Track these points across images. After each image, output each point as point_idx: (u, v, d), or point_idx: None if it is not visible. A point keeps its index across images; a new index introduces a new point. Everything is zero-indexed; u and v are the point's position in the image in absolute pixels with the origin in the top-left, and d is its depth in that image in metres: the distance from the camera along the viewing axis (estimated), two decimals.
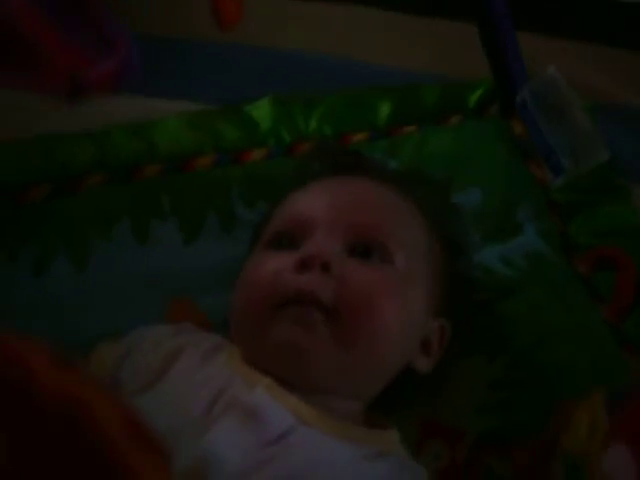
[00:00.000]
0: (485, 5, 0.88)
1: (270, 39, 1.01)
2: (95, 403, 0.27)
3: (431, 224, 0.72)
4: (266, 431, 0.59)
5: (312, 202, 0.71)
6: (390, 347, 0.66)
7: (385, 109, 0.93)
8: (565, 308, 0.80)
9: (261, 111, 0.92)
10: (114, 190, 0.85)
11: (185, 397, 0.62)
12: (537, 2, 1.02)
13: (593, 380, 0.73)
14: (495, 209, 0.85)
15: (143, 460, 0.28)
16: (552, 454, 0.56)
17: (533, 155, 0.89)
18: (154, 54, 0.98)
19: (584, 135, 0.84)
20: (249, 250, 0.74)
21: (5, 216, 0.81)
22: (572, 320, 0.79)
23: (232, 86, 0.97)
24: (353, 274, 0.65)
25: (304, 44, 1.01)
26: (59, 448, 0.27)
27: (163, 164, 0.88)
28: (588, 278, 0.82)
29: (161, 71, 0.97)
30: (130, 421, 0.28)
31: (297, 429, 0.60)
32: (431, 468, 0.68)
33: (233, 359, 0.66)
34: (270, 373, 0.63)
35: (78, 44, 0.49)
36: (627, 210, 0.86)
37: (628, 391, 0.53)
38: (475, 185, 0.86)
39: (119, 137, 0.89)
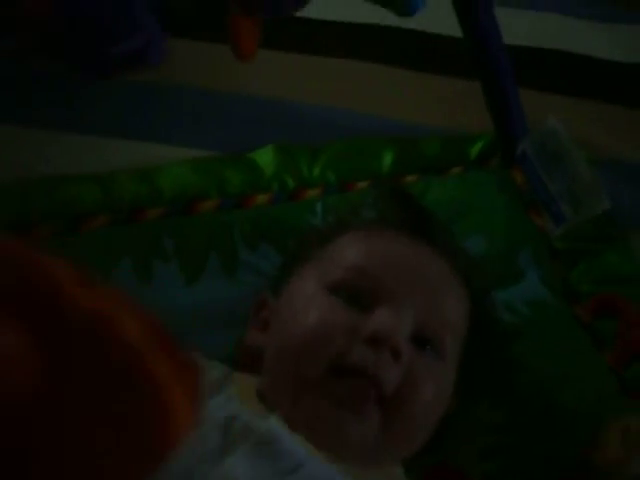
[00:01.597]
0: (489, 62, 0.90)
1: (273, 91, 1.03)
2: (120, 318, 0.28)
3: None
4: (282, 461, 0.58)
5: (383, 261, 0.67)
6: (424, 431, 0.66)
7: (388, 158, 0.94)
8: (567, 354, 0.79)
9: (265, 158, 0.93)
10: (117, 231, 0.86)
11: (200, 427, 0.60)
12: (537, 59, 1.05)
13: (593, 425, 0.72)
14: (497, 256, 0.85)
15: (168, 371, 0.28)
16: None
17: (534, 204, 0.90)
18: (160, 102, 1.01)
19: (584, 183, 0.85)
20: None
21: None
22: (574, 366, 0.78)
23: (236, 136, 0.98)
24: (418, 370, 0.63)
25: (306, 96, 1.02)
26: (85, 361, 0.27)
27: (167, 207, 0.88)
28: (590, 325, 0.82)
29: (166, 119, 1.00)
30: (156, 334, 0.29)
31: (309, 462, 0.59)
32: None
33: (242, 390, 0.64)
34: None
35: (107, 23, 0.50)
36: (626, 258, 0.87)
37: None
38: (477, 233, 0.86)
39: (124, 180, 0.90)
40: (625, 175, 0.94)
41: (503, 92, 0.91)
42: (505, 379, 0.77)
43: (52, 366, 0.27)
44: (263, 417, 0.61)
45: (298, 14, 1.05)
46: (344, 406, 0.61)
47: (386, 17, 0.70)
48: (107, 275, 0.82)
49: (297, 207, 0.88)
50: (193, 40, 1.03)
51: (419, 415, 0.64)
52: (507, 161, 0.93)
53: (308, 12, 1.06)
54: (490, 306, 0.77)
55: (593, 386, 0.77)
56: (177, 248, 0.85)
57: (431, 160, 0.95)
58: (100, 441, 0.27)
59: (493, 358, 0.77)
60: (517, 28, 1.00)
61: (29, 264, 0.27)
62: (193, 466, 0.56)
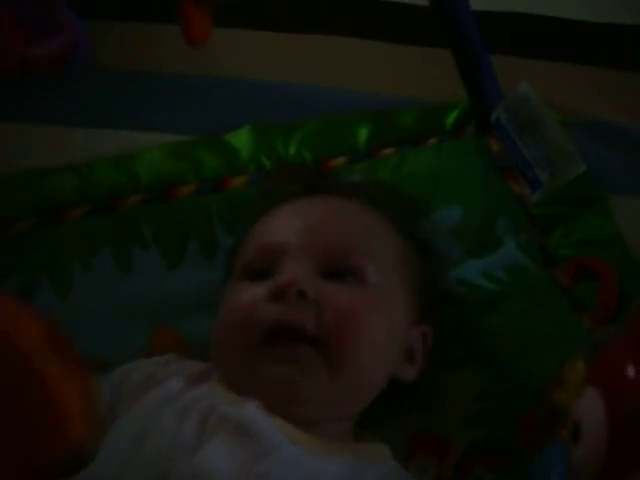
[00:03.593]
0: (459, 30, 0.90)
1: (246, 70, 1.02)
2: (13, 325, 0.29)
3: (403, 233, 0.73)
4: (259, 445, 0.59)
5: (280, 227, 0.71)
6: (378, 364, 0.66)
7: (363, 133, 0.94)
8: (547, 319, 0.80)
9: (241, 139, 0.93)
10: (96, 220, 0.86)
11: (175, 418, 0.61)
12: (506, 24, 1.04)
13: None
14: (475, 225, 0.86)
15: (59, 368, 0.29)
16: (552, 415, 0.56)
17: (510, 171, 0.90)
18: (133, 88, 1.01)
19: (559, 148, 0.85)
20: (223, 282, 0.74)
21: None
22: (554, 330, 0.79)
23: (211, 118, 0.98)
24: (330, 297, 0.64)
25: (280, 74, 1.02)
26: None
27: (145, 194, 0.89)
28: (569, 289, 0.83)
29: (140, 105, 1.00)
30: (48, 336, 0.30)
31: (285, 446, 0.60)
32: None
33: (219, 383, 0.65)
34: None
35: (27, 24, 0.50)
36: (605, 220, 0.87)
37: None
38: (455, 202, 0.87)
39: (101, 169, 0.90)
40: (600, 136, 0.94)
41: (474, 60, 0.90)
42: (486, 346, 0.77)
43: None
44: (240, 404, 0.61)
45: None
46: (281, 362, 0.62)
47: None
48: (88, 265, 0.83)
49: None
50: (161, 24, 1.02)
51: (360, 341, 0.64)
52: (482, 129, 0.93)
53: None
54: (431, 234, 0.78)
55: (574, 349, 0.78)
56: (156, 235, 0.85)
57: (407, 132, 0.95)
58: None
59: (474, 325, 0.78)
60: None
61: None
62: (172, 456, 0.57)
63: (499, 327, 0.79)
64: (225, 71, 1.03)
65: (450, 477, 0.72)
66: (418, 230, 0.76)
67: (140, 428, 0.61)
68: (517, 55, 1.01)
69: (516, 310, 0.80)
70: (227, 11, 0.82)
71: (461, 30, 0.89)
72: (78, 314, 0.79)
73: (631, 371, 0.47)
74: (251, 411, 0.61)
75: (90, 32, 0.95)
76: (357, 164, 0.91)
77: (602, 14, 1.03)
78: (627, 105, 0.96)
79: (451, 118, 0.96)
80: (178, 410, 0.62)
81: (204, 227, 0.86)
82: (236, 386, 0.64)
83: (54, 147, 0.96)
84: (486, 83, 0.92)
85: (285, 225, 0.70)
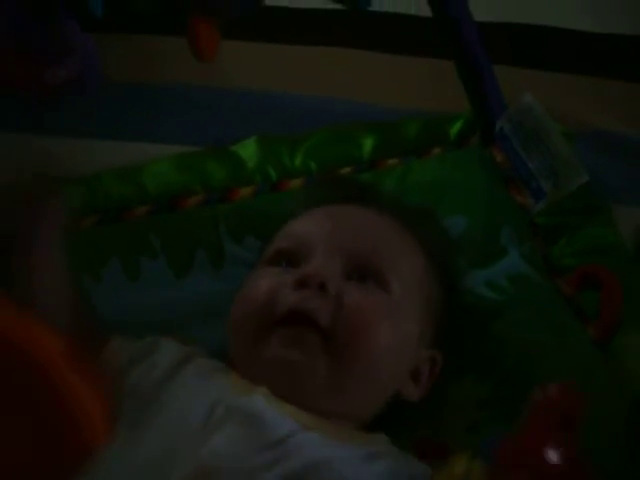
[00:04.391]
0: (461, 42, 0.91)
1: (253, 82, 1.04)
2: (30, 335, 0.30)
3: (430, 257, 0.74)
4: (266, 435, 0.60)
5: (313, 224, 0.73)
6: (383, 371, 0.68)
7: (368, 144, 0.95)
8: (550, 328, 0.80)
9: (247, 150, 0.94)
10: (105, 231, 0.87)
11: (184, 408, 0.63)
12: (509, 35, 1.05)
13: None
14: (479, 235, 0.87)
15: (80, 382, 0.30)
16: None
17: (514, 181, 0.91)
18: (141, 101, 1.02)
19: (562, 158, 0.86)
20: (253, 266, 0.76)
21: None
22: (557, 339, 0.79)
23: (217, 129, 0.99)
24: (350, 296, 0.66)
25: (284, 86, 1.03)
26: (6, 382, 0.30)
27: (152, 205, 0.90)
28: (573, 298, 0.83)
29: (148, 117, 1.01)
30: (67, 351, 0.31)
31: (297, 433, 0.61)
32: None
33: (230, 376, 0.67)
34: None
35: (37, 50, 0.51)
36: (608, 230, 0.88)
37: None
38: (458, 212, 0.87)
39: (109, 180, 0.91)
40: (603, 146, 0.95)
41: (478, 71, 0.91)
42: (489, 354, 0.78)
43: None
44: (248, 395, 0.63)
45: (274, 4, 1.07)
46: (287, 344, 0.65)
47: None
48: (97, 275, 0.84)
49: (280, 198, 0.90)
50: (168, 36, 1.04)
51: (369, 344, 0.66)
52: (486, 140, 0.94)
53: (283, 1, 1.08)
54: (456, 262, 0.79)
55: (577, 359, 0.78)
56: (164, 245, 0.86)
57: (411, 143, 0.96)
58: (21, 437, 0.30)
59: (477, 333, 0.79)
60: (487, 4, 1.00)
61: None
62: (179, 448, 0.59)
63: (502, 336, 0.79)
64: (231, 83, 1.04)
65: None
66: (446, 259, 0.77)
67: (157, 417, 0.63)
68: (520, 66, 1.02)
69: (519, 319, 0.80)
70: (233, 24, 0.83)
71: (464, 41, 0.90)
72: None
73: (551, 453, 0.47)
74: (259, 401, 0.62)
75: (98, 45, 0.97)
76: (362, 174, 0.92)
77: (605, 25, 1.04)
78: (630, 115, 0.97)
79: (455, 129, 0.97)
80: (189, 400, 0.63)
81: (211, 237, 0.87)
82: (245, 369, 0.66)
83: (62, 159, 0.97)
84: (489, 94, 0.93)
85: (320, 223, 0.73)
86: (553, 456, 0.46)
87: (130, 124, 1.00)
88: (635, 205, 0.91)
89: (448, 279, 0.76)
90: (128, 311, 0.81)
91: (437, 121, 0.98)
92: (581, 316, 0.82)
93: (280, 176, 0.93)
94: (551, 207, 0.88)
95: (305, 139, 0.95)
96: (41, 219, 0.58)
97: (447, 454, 0.73)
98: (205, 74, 1.03)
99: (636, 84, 1.00)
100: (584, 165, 0.87)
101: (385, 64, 1.06)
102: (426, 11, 0.88)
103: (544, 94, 0.91)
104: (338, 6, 1.09)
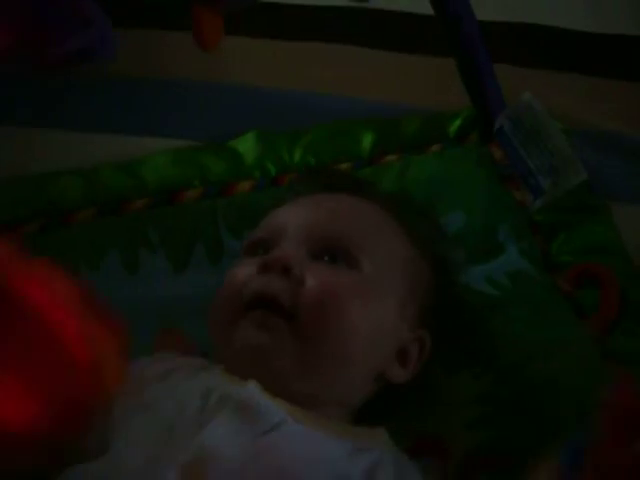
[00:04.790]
0: (462, 40, 0.91)
1: (252, 78, 1.03)
2: (50, 286, 0.30)
3: (415, 240, 0.74)
4: (260, 422, 0.61)
5: (287, 213, 0.74)
6: (355, 349, 0.67)
7: (367, 140, 0.96)
8: (548, 324, 0.80)
9: (246, 145, 0.94)
10: (103, 224, 0.87)
11: (179, 399, 0.63)
12: (509, 34, 1.06)
13: (577, 393, 0.74)
14: (477, 231, 0.87)
15: (99, 329, 0.31)
16: None
17: (513, 178, 0.91)
18: (140, 95, 1.02)
19: (561, 156, 0.86)
20: None
21: None
22: (555, 336, 0.80)
23: (216, 124, 0.99)
24: (314, 276, 0.67)
25: (284, 82, 1.03)
26: (26, 330, 0.30)
27: (151, 198, 0.90)
28: (571, 295, 0.84)
29: (147, 111, 1.01)
30: (84, 299, 0.32)
31: (288, 422, 0.61)
32: None
33: (221, 371, 0.67)
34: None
35: (53, 21, 0.51)
36: (606, 227, 0.88)
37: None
38: (457, 209, 0.88)
39: (108, 173, 0.92)
40: (601, 144, 0.95)
41: (478, 69, 0.91)
42: (488, 350, 0.78)
43: None
44: (242, 385, 0.63)
45: (272, 0, 1.07)
46: (254, 329, 0.65)
47: None
48: (95, 266, 0.84)
49: (279, 192, 0.89)
50: (169, 31, 1.04)
51: (333, 321, 0.65)
52: (485, 137, 0.94)
53: None
54: (444, 245, 0.79)
55: (576, 355, 0.78)
56: (163, 238, 0.86)
57: (410, 139, 0.96)
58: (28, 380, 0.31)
59: (475, 329, 0.79)
60: (488, 3, 1.01)
61: None
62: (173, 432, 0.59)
63: (501, 332, 0.79)
64: (231, 79, 1.04)
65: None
66: (437, 246, 0.77)
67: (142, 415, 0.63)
68: (518, 65, 1.02)
69: (518, 315, 0.80)
70: (234, 19, 0.83)
71: (465, 38, 0.90)
72: None
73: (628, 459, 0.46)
74: (252, 390, 0.63)
75: None
76: (361, 170, 0.92)
77: (604, 25, 1.05)
78: (627, 114, 0.97)
79: (454, 126, 0.97)
80: (178, 395, 0.64)
81: (210, 231, 0.87)
82: (224, 358, 0.67)
83: (61, 152, 0.97)
84: (489, 91, 0.93)
85: (293, 211, 0.74)
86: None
87: (129, 118, 1.00)
88: (633, 202, 0.91)
89: (439, 266, 0.76)
90: (126, 304, 0.81)
91: (436, 118, 0.98)
92: (579, 312, 0.82)
93: (279, 171, 0.93)
94: (550, 204, 0.89)
95: (304, 134, 0.95)
96: None
97: (444, 451, 0.74)
98: (205, 69, 1.03)
99: (634, 83, 1.00)
100: (583, 163, 0.87)
101: (385, 61, 1.05)
102: (427, 8, 0.89)
103: (543, 93, 0.91)
104: (337, 2, 1.10)
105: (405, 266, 0.72)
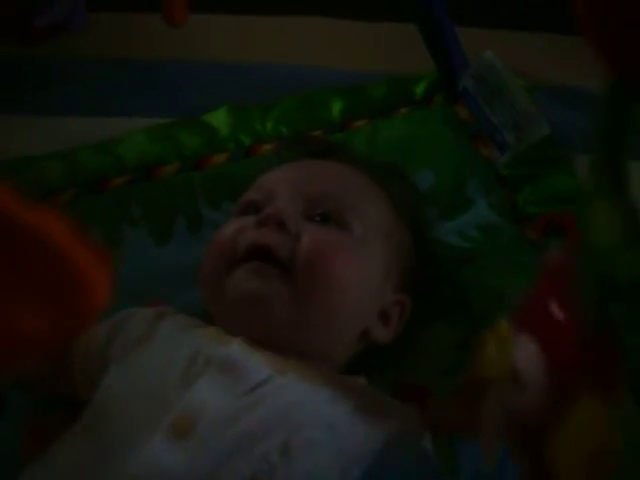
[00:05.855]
0: (423, 4, 0.94)
1: (221, 54, 1.06)
2: (50, 225, 0.33)
3: (396, 206, 0.77)
4: (244, 380, 0.63)
5: (279, 175, 0.76)
6: (345, 305, 0.70)
7: (337, 107, 0.98)
8: (518, 272, 0.83)
9: (219, 119, 0.97)
10: (85, 202, 0.89)
11: (165, 360, 0.65)
12: None
13: None
14: (447, 188, 0.90)
15: (92, 264, 0.34)
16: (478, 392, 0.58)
17: (479, 136, 0.94)
18: (113, 76, 1.04)
19: (525, 112, 0.89)
20: None
21: None
22: (526, 283, 0.82)
23: (188, 101, 1.01)
24: (309, 233, 0.69)
25: (253, 56, 1.05)
26: (26, 259, 0.34)
27: (130, 175, 0.92)
28: (539, 244, 0.87)
29: (121, 92, 1.03)
30: (76, 233, 0.35)
31: (273, 378, 0.63)
32: None
33: (207, 330, 0.70)
34: (239, 334, 0.67)
35: None
36: (570, 177, 0.91)
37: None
38: (426, 168, 0.91)
39: (86, 154, 0.94)
40: (562, 99, 0.98)
41: (439, 30, 0.94)
42: (461, 300, 0.81)
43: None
44: (225, 343, 0.66)
45: None
46: (250, 277, 0.67)
47: None
48: None
49: (254, 162, 0.92)
50: (139, 13, 1.06)
51: (328, 277, 0.68)
52: (451, 97, 0.97)
53: None
54: (423, 212, 0.82)
55: None
56: (144, 213, 0.89)
57: (378, 104, 0.99)
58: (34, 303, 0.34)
59: (448, 281, 0.82)
60: None
61: None
62: (162, 392, 0.62)
63: (473, 282, 0.82)
64: (200, 55, 1.06)
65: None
66: (413, 209, 0.80)
67: (134, 374, 0.66)
68: (480, 26, 1.05)
69: (489, 265, 0.84)
70: None
71: (426, 3, 0.93)
72: None
73: (555, 308, 0.48)
74: (235, 349, 0.65)
75: None
76: (332, 136, 0.95)
77: None
78: (584, 69, 1.00)
79: (420, 89, 1.00)
80: (169, 353, 0.66)
81: (189, 203, 0.89)
82: (215, 312, 0.70)
83: (38, 136, 0.99)
84: (452, 53, 0.96)
85: (285, 173, 0.76)
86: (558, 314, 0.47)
87: (104, 100, 1.02)
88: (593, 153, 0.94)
89: (417, 228, 0.79)
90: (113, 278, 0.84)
91: (402, 82, 1.00)
92: None
93: (253, 142, 0.96)
94: (515, 159, 0.92)
95: (275, 106, 0.98)
96: None
97: (429, 396, 0.77)
98: (175, 48, 1.05)
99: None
100: (545, 118, 0.90)
101: (351, 30, 1.08)
102: None
103: (504, 53, 0.94)
104: None
105: (389, 230, 0.75)
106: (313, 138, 0.94)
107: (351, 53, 1.05)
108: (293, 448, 0.60)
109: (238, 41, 1.07)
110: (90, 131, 0.98)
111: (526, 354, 0.48)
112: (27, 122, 0.99)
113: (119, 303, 0.82)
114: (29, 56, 1.01)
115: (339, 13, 1.08)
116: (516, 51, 1.00)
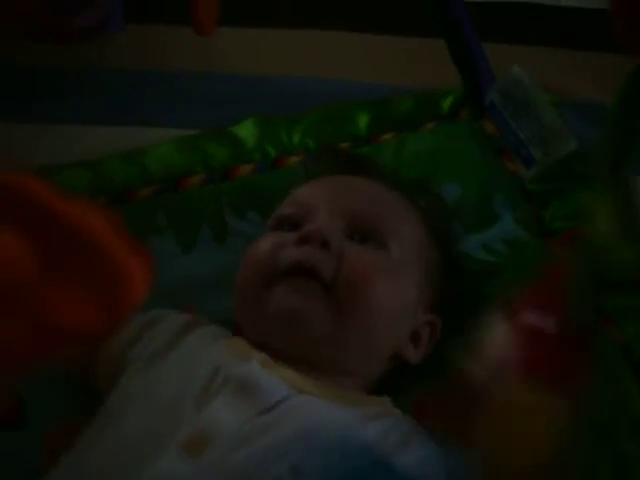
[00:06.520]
0: (450, 17, 0.94)
1: (248, 66, 1.06)
2: (91, 222, 0.34)
3: (429, 227, 0.77)
4: (261, 400, 0.62)
5: (316, 190, 0.76)
6: (381, 326, 0.70)
7: (363, 120, 0.98)
8: None
9: (245, 130, 0.97)
10: (112, 210, 0.90)
11: (185, 375, 0.65)
12: (496, 12, 1.08)
13: None
14: (473, 202, 0.90)
15: (132, 260, 0.35)
16: None
17: (505, 151, 0.94)
18: (142, 87, 1.05)
19: (551, 127, 0.89)
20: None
21: None
22: None
23: (216, 112, 1.02)
24: (352, 254, 0.69)
25: (281, 69, 1.06)
26: (70, 254, 0.34)
27: (157, 185, 0.93)
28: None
29: (148, 103, 1.04)
30: (117, 232, 0.35)
31: (291, 398, 0.63)
32: None
33: (232, 342, 0.69)
34: (268, 347, 0.67)
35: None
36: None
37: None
38: (453, 181, 0.91)
39: (113, 164, 0.94)
40: (587, 115, 0.98)
41: (466, 45, 0.95)
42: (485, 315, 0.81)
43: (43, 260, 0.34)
44: (245, 361, 0.65)
45: None
46: (291, 293, 0.67)
47: None
48: None
49: (280, 174, 0.93)
50: (169, 25, 1.07)
51: (368, 299, 0.68)
52: (477, 112, 0.97)
53: None
54: (453, 232, 0.83)
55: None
56: (170, 222, 0.89)
57: (405, 118, 0.99)
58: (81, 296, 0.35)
59: (474, 295, 0.82)
60: None
61: (22, 188, 0.33)
62: (179, 407, 0.62)
63: (498, 295, 0.82)
64: (228, 68, 1.07)
65: None
66: (445, 229, 0.81)
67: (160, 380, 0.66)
68: (507, 42, 1.05)
69: (515, 279, 0.83)
70: (229, 10, 0.86)
71: (453, 16, 0.93)
72: None
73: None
74: (255, 367, 0.65)
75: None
76: (359, 149, 0.95)
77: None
78: (610, 85, 1.00)
79: (446, 103, 1.00)
80: (185, 371, 0.66)
81: (215, 213, 0.90)
82: (250, 327, 0.69)
83: (66, 145, 1.00)
84: (479, 68, 0.96)
85: (322, 188, 0.76)
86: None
87: (131, 111, 1.03)
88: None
89: (446, 245, 0.80)
90: None
91: (429, 97, 1.01)
92: None
93: (279, 153, 0.96)
94: (542, 174, 0.92)
95: (302, 118, 0.98)
96: None
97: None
98: (203, 61, 1.06)
99: (616, 55, 1.03)
100: (573, 133, 0.90)
101: (378, 45, 1.09)
102: None
103: (531, 68, 0.94)
104: None
105: (420, 249, 0.75)
106: (341, 151, 0.94)
107: (378, 67, 1.06)
108: (304, 473, 0.59)
109: (265, 54, 1.08)
110: (116, 141, 0.99)
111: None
112: (53, 131, 1.00)
113: (149, 309, 0.83)
114: (53, 65, 1.03)
115: (367, 28, 1.09)
116: (543, 67, 1.01)
